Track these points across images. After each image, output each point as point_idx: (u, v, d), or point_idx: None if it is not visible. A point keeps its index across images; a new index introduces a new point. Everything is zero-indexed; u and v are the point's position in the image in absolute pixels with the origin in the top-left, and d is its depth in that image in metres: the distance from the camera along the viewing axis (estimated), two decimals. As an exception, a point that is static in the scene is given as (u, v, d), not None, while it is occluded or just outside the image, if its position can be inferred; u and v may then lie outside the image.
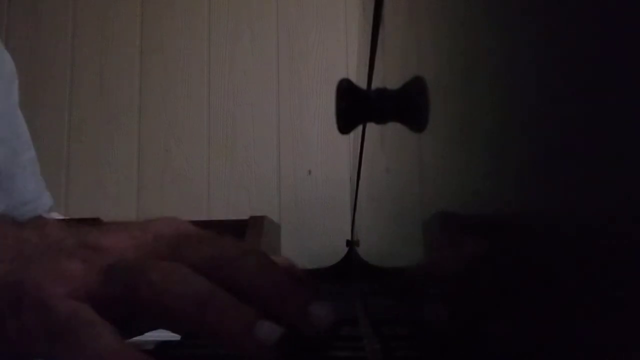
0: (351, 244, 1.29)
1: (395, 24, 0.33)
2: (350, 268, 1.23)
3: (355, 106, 0.38)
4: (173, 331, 0.32)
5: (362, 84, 0.48)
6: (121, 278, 0.29)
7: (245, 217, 1.37)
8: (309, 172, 1.57)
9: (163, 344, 0.37)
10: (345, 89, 0.38)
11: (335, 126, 0.40)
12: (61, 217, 0.88)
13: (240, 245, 0.31)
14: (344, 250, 1.35)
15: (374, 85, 0.45)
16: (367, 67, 0.47)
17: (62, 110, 1.67)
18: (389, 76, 0.35)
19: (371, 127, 0.49)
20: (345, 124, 0.39)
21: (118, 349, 0.27)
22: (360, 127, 0.56)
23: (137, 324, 0.32)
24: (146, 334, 0.37)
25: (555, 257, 0.10)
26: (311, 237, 1.51)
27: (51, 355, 0.29)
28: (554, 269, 0.10)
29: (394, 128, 0.33)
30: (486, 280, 0.15)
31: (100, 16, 1.70)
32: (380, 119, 0.38)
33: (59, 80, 1.68)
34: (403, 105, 0.29)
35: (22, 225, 0.33)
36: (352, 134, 0.72)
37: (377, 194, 0.48)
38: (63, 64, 1.69)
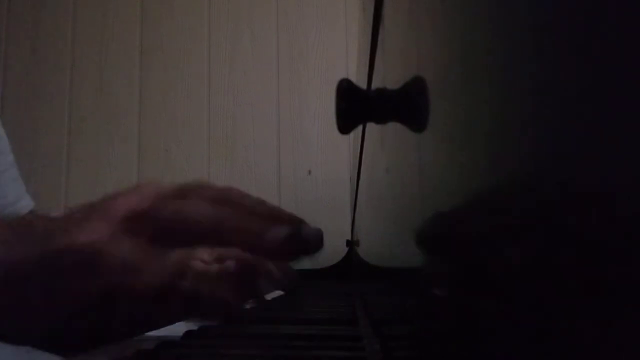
0: (351, 244, 1.29)
1: (395, 24, 0.33)
2: (350, 268, 1.23)
3: (355, 106, 0.38)
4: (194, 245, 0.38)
5: (362, 84, 0.48)
6: (144, 220, 0.35)
7: (245, 217, 1.37)
8: (309, 172, 1.57)
9: (163, 344, 0.37)
10: (345, 89, 0.38)
11: (335, 126, 0.40)
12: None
13: (227, 188, 0.38)
14: (344, 250, 1.35)
15: (374, 85, 0.45)
16: (367, 67, 0.47)
17: (62, 110, 1.67)
18: (389, 76, 0.35)
19: (371, 127, 0.49)
20: (345, 124, 0.39)
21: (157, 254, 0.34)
22: (360, 127, 0.56)
23: (166, 313, 0.38)
24: (146, 334, 0.39)
25: (556, 257, 0.10)
26: (311, 237, 1.51)
27: (109, 285, 0.34)
28: (554, 269, 0.10)
29: (394, 128, 0.33)
30: (486, 281, 0.15)
31: (100, 16, 1.70)
32: (380, 119, 0.38)
33: (59, 80, 1.68)
34: (403, 105, 0.29)
35: (38, 219, 0.38)
36: (352, 134, 0.72)
37: (377, 194, 0.48)
38: (63, 64, 1.69)
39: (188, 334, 0.43)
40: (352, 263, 1.23)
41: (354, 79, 0.46)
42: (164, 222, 0.34)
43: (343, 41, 1.62)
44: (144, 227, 0.35)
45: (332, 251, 1.38)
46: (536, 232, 0.11)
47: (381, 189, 0.44)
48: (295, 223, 0.36)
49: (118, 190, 0.38)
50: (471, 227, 0.17)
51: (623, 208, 0.08)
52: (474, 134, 0.16)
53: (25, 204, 0.78)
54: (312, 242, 0.35)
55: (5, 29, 1.73)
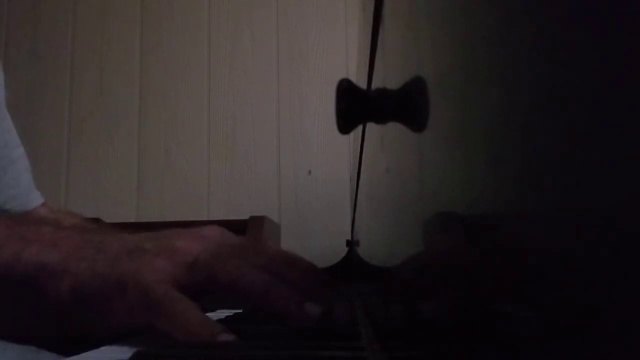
0: (351, 244, 1.29)
1: (395, 24, 0.33)
2: (350, 268, 1.23)
3: (355, 106, 0.38)
4: (240, 307, 0.46)
5: (362, 84, 0.48)
6: (204, 269, 0.41)
7: (245, 217, 1.37)
8: (309, 172, 1.57)
9: (163, 345, 0.37)
10: (345, 89, 0.38)
11: (335, 126, 0.40)
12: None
13: (281, 251, 0.46)
14: (344, 250, 1.35)
15: (374, 85, 0.45)
16: (367, 67, 0.47)
17: (62, 110, 1.67)
18: (389, 76, 0.35)
19: (371, 127, 0.49)
20: (345, 124, 0.39)
21: (200, 318, 0.38)
22: (360, 127, 0.56)
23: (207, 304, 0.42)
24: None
25: (556, 257, 0.10)
26: (311, 237, 1.51)
27: (149, 324, 0.40)
28: (555, 269, 0.10)
29: (394, 128, 0.33)
30: (486, 280, 0.15)
31: (100, 16, 1.70)
32: (380, 119, 0.38)
33: (59, 80, 1.68)
34: (403, 105, 0.29)
35: (94, 230, 0.44)
36: (352, 134, 0.72)
37: (377, 194, 0.48)
38: (63, 64, 1.69)
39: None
40: (352, 263, 1.23)
41: (354, 79, 0.46)
42: (218, 280, 0.40)
43: (343, 41, 1.62)
44: (199, 277, 0.41)
45: (332, 251, 1.38)
46: (537, 231, 0.11)
47: (381, 189, 0.44)
48: (331, 300, 0.41)
49: (181, 230, 0.45)
50: (472, 227, 0.17)
51: (623, 207, 0.08)
52: (474, 134, 0.16)
53: (34, 197, 0.80)
54: (340, 323, 0.40)
55: (5, 29, 1.73)
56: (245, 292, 0.40)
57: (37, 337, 0.42)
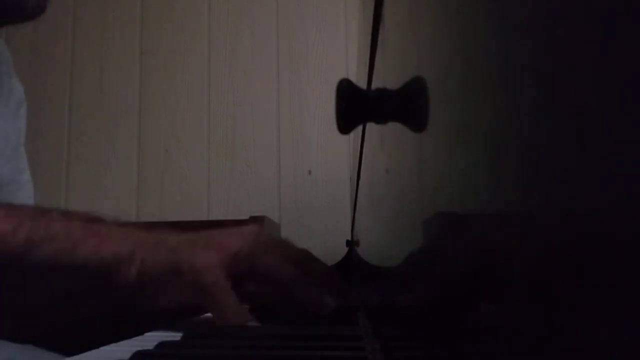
0: (351, 244, 1.29)
1: (395, 24, 0.33)
2: (350, 268, 1.23)
3: (355, 106, 0.38)
4: (271, 297, 0.53)
5: (362, 84, 0.48)
6: (245, 261, 0.50)
7: (245, 217, 1.37)
8: (309, 172, 1.57)
9: (163, 344, 0.37)
10: (345, 89, 0.38)
11: (335, 126, 0.40)
12: None
13: (303, 249, 0.56)
14: (344, 250, 1.35)
15: (374, 85, 0.45)
16: (367, 67, 0.47)
17: (62, 110, 1.67)
18: (389, 76, 0.35)
19: (371, 127, 0.49)
20: (345, 124, 0.39)
21: (237, 307, 0.48)
22: (360, 127, 0.56)
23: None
24: (146, 334, 0.42)
25: (556, 256, 0.10)
26: (311, 237, 1.51)
27: (196, 303, 0.50)
28: (554, 269, 0.10)
29: (394, 128, 0.33)
30: (486, 280, 0.15)
31: (100, 16, 1.70)
32: (380, 119, 0.38)
33: (59, 80, 1.68)
34: (403, 105, 0.29)
35: (151, 229, 0.54)
36: (352, 134, 0.72)
37: (377, 194, 0.48)
38: (63, 64, 1.69)
39: (188, 334, 0.43)
40: (352, 263, 1.23)
41: (354, 79, 0.46)
42: (256, 271, 0.50)
43: (343, 41, 1.62)
44: (241, 268, 0.49)
45: (332, 251, 1.37)
46: (537, 231, 0.11)
47: (381, 189, 0.44)
48: (344, 292, 0.51)
49: (224, 230, 0.54)
50: (471, 226, 0.17)
51: (622, 207, 0.08)
52: (473, 134, 0.16)
53: (27, 178, 0.82)
54: (354, 306, 0.52)
55: (6, 29, 1.72)
56: (278, 281, 0.50)
57: (45, 335, 0.51)
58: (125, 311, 0.53)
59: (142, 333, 0.48)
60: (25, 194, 0.81)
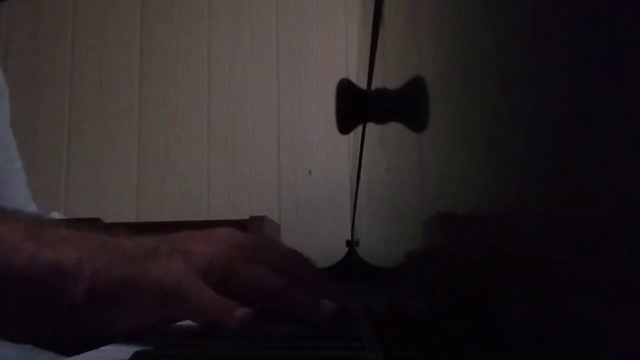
0: (351, 244, 1.29)
1: (395, 24, 0.33)
2: (350, 268, 1.23)
3: (355, 106, 0.38)
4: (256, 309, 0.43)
5: (362, 84, 0.48)
6: (218, 275, 0.41)
7: (245, 217, 1.37)
8: (309, 172, 1.57)
9: (162, 344, 0.37)
10: (345, 89, 0.38)
11: (335, 126, 0.40)
12: (60, 217, 0.88)
13: (291, 249, 0.47)
14: (344, 250, 1.35)
15: (374, 85, 0.45)
16: (367, 67, 0.47)
17: (62, 110, 1.67)
18: (389, 76, 0.35)
19: (371, 127, 0.49)
20: (345, 124, 0.39)
21: (215, 298, 0.39)
22: (360, 127, 0.56)
23: None
24: (146, 333, 0.40)
25: (556, 256, 0.10)
26: (311, 237, 1.51)
27: (165, 316, 0.41)
28: (555, 269, 0.10)
29: (394, 128, 0.33)
30: (486, 280, 0.15)
31: (100, 16, 1.70)
32: (380, 119, 0.38)
33: (59, 80, 1.68)
34: (403, 105, 0.29)
35: (110, 233, 0.44)
36: (352, 134, 0.72)
37: (377, 194, 0.48)
38: (63, 64, 1.69)
39: (188, 334, 0.43)
40: (352, 263, 1.23)
41: (354, 79, 0.46)
42: (232, 284, 0.41)
43: (343, 41, 1.62)
44: (213, 280, 0.41)
45: (332, 251, 1.38)
46: (536, 231, 0.11)
47: (381, 189, 0.44)
48: (341, 298, 0.43)
49: (194, 233, 0.45)
50: (471, 226, 0.17)
51: (622, 207, 0.08)
52: (473, 134, 0.16)
53: (32, 210, 0.80)
54: (354, 316, 0.43)
55: (6, 29, 1.73)
56: (261, 296, 0.41)
57: (41, 337, 0.43)
58: (80, 335, 0.42)
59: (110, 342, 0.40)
60: (18, 183, 0.79)
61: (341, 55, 1.61)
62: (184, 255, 0.42)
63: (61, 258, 0.40)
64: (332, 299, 0.42)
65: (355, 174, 0.84)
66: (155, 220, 1.55)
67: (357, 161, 0.76)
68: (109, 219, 1.42)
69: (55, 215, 0.86)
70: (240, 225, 1.23)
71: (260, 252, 0.44)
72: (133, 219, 1.58)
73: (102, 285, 0.40)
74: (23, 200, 0.80)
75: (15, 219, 0.43)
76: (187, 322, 0.48)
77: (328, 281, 0.46)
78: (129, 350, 0.33)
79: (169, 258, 0.41)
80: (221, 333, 0.39)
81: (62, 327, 0.41)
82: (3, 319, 0.41)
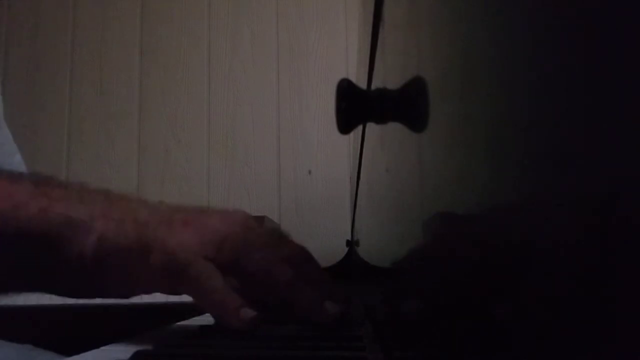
0: (351, 244, 1.29)
1: (395, 24, 0.33)
2: (350, 268, 1.23)
3: (355, 106, 0.38)
4: (259, 299, 0.42)
5: (362, 84, 0.48)
6: (231, 253, 0.40)
7: (245, 217, 1.37)
8: (309, 172, 1.57)
9: (162, 344, 0.37)
10: (345, 89, 0.38)
11: (335, 126, 0.40)
12: None
13: (299, 245, 0.45)
14: (344, 250, 1.35)
15: (374, 85, 0.45)
16: (367, 67, 0.47)
17: (62, 110, 1.67)
18: (389, 76, 0.35)
19: (371, 127, 0.49)
20: (345, 124, 0.39)
21: (226, 289, 0.38)
22: (360, 127, 0.56)
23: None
24: (146, 334, 0.40)
25: (555, 256, 0.10)
26: (311, 237, 1.51)
27: (172, 290, 0.40)
28: (554, 268, 0.10)
29: (394, 128, 0.33)
30: (486, 280, 0.15)
31: (100, 16, 1.70)
32: (380, 119, 0.38)
33: (59, 80, 1.68)
34: (403, 105, 0.29)
35: (127, 197, 0.44)
36: (352, 134, 0.72)
37: (377, 194, 0.48)
38: (63, 64, 1.69)
39: (188, 334, 0.43)
40: (352, 263, 1.23)
41: (354, 79, 0.46)
42: (242, 266, 0.40)
43: (343, 41, 1.62)
44: (224, 259, 0.40)
45: (332, 251, 1.37)
46: (536, 231, 0.11)
47: (381, 189, 0.44)
48: (343, 301, 0.42)
49: (209, 209, 0.44)
50: (471, 226, 0.17)
51: (622, 208, 0.08)
52: (473, 134, 0.16)
53: (18, 160, 0.81)
54: (356, 316, 0.43)
55: (6, 28, 1.72)
56: (270, 282, 0.40)
57: (49, 291, 0.42)
58: (79, 295, 0.42)
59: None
60: None
61: (341, 55, 1.61)
62: (199, 230, 0.40)
63: (71, 212, 0.39)
64: (335, 300, 0.41)
65: (355, 174, 0.84)
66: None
67: (357, 161, 0.76)
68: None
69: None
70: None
71: (274, 242, 0.43)
72: (133, 219, 1.58)
73: (111, 242, 0.39)
74: None
75: (26, 178, 0.43)
76: (187, 322, 0.48)
77: (331, 282, 0.45)
78: (129, 350, 0.33)
79: (183, 228, 0.40)
80: (220, 326, 0.39)
81: (69, 281, 0.41)
82: (14, 272, 0.41)
